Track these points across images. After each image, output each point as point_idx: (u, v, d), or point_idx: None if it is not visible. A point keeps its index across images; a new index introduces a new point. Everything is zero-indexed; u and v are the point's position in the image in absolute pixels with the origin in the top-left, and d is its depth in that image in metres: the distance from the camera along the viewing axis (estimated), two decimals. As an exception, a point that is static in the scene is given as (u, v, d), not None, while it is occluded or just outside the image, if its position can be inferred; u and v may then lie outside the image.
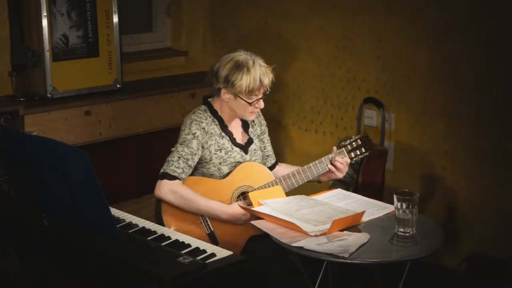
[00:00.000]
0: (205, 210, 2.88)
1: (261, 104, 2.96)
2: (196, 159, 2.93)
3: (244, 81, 2.87)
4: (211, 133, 2.97)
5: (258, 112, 3.03)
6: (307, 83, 4.26)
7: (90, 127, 3.93)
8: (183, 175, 2.88)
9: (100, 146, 4.00)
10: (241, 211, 2.85)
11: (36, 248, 2.34)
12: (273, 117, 4.41)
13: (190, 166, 2.91)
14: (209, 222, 2.92)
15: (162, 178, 2.87)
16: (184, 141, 2.92)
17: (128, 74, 4.28)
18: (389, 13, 3.80)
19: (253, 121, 3.12)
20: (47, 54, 3.77)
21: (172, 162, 2.89)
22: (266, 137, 3.19)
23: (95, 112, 3.94)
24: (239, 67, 2.89)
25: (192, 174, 2.97)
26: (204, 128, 2.94)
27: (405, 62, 3.77)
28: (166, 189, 2.86)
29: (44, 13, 3.73)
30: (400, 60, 3.79)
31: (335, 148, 3.09)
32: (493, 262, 3.50)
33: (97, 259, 2.11)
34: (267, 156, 3.17)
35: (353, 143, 3.06)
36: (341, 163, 2.98)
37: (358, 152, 3.06)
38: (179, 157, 2.89)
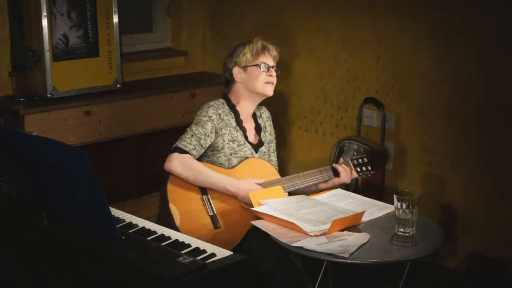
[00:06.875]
0: (214, 182, 2.89)
1: (273, 73, 3.06)
2: (209, 141, 2.96)
3: (247, 48, 3.06)
4: (227, 123, 3.02)
5: (272, 85, 3.07)
6: (307, 83, 4.26)
7: (90, 127, 3.93)
8: (194, 152, 2.91)
9: (100, 146, 4.00)
10: (256, 187, 2.87)
11: (36, 248, 2.34)
12: (273, 117, 4.41)
13: (202, 145, 2.94)
14: (212, 205, 2.92)
15: (173, 152, 2.89)
16: (199, 122, 2.97)
17: (128, 74, 4.28)
18: (389, 13, 3.80)
19: (266, 127, 3.19)
20: (47, 54, 3.77)
21: (185, 138, 2.93)
22: (273, 147, 3.23)
23: (95, 112, 3.94)
24: (243, 43, 3.13)
25: (201, 161, 2.99)
26: (220, 115, 3.00)
27: (405, 62, 3.77)
28: (176, 161, 2.87)
29: (44, 13, 3.73)
30: (400, 60, 3.79)
31: (341, 159, 3.09)
32: (492, 262, 3.50)
33: (97, 259, 2.11)
34: None
35: (360, 159, 3.05)
36: (345, 170, 3.00)
37: (364, 168, 3.05)
38: (192, 135, 2.93)
